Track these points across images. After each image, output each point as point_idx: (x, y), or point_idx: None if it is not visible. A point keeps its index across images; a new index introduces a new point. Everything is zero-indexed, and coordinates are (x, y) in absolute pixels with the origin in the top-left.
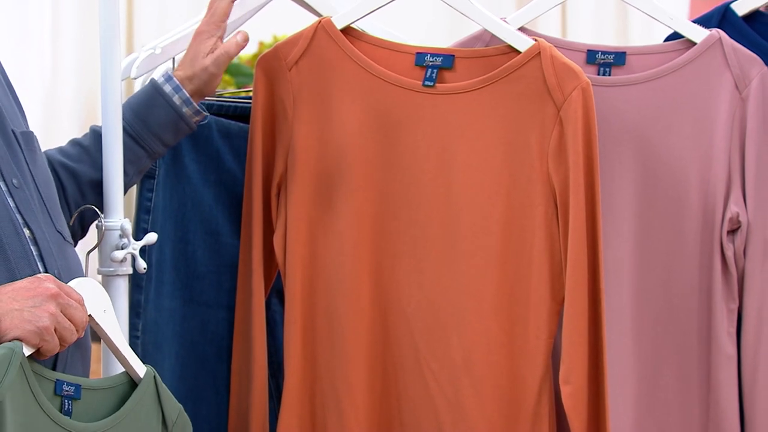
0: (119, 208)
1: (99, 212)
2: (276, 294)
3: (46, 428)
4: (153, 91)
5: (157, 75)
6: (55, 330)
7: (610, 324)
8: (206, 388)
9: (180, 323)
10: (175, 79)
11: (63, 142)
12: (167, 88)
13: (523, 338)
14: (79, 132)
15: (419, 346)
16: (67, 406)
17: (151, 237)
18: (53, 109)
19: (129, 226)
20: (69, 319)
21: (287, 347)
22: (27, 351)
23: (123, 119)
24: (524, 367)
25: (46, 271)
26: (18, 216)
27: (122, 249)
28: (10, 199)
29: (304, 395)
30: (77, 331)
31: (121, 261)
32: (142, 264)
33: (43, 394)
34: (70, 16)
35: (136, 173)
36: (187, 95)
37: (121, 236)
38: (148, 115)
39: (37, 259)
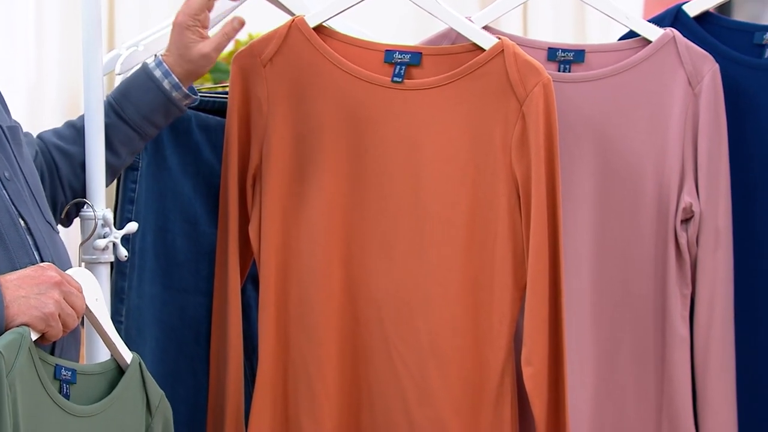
0: (101, 198)
1: (91, 206)
2: (251, 280)
3: (49, 410)
4: (144, 75)
5: (152, 63)
6: (58, 316)
7: (570, 309)
8: (184, 370)
9: (160, 308)
10: (165, 64)
11: None
12: (157, 73)
13: (487, 323)
14: (61, 123)
15: (388, 330)
16: (65, 390)
17: (132, 226)
18: (37, 102)
19: (110, 216)
20: (71, 306)
21: (261, 331)
22: (33, 336)
23: (116, 103)
24: (488, 350)
25: (42, 260)
26: (13, 207)
27: (104, 237)
28: (4, 191)
29: (277, 377)
30: (77, 317)
31: (103, 249)
32: (122, 252)
33: (47, 377)
34: (53, 12)
35: (128, 154)
36: (177, 80)
37: (103, 225)
38: (139, 99)
39: (33, 248)
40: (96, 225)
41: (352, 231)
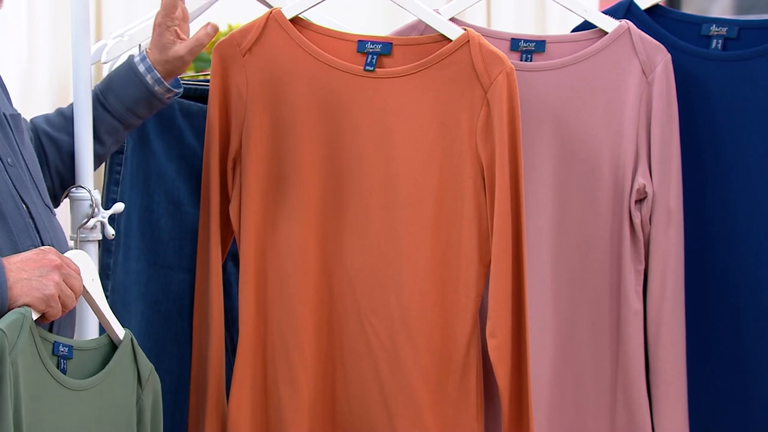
0: (90, 180)
1: (89, 190)
2: (231, 258)
3: (49, 385)
4: (129, 69)
5: (135, 53)
6: (58, 297)
7: (532, 284)
8: (169, 343)
9: (145, 284)
10: (148, 59)
11: None
12: (141, 68)
13: (454, 297)
14: (52, 110)
15: (361, 304)
16: (62, 365)
17: (118, 206)
18: (29, 90)
19: (98, 197)
20: (70, 288)
21: (242, 305)
22: (34, 316)
23: (102, 95)
24: (455, 322)
25: (42, 242)
26: (15, 191)
27: (93, 217)
28: (7, 176)
29: (256, 348)
30: (75, 298)
31: (92, 228)
32: (110, 231)
33: (46, 354)
34: (44, 4)
35: (113, 143)
36: (159, 75)
37: (90, 205)
38: (124, 92)
39: (34, 231)
40: (94, 207)
41: (327, 211)
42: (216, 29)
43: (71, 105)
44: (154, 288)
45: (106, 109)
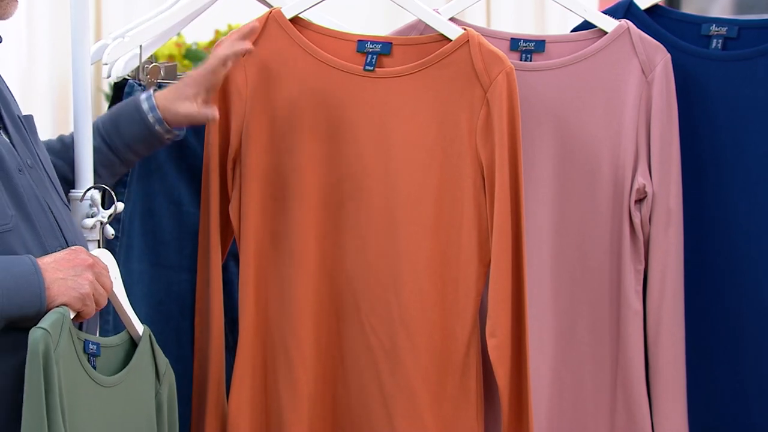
0: (89, 179)
1: (108, 189)
2: (232, 257)
3: (84, 382)
4: (132, 105)
5: (143, 95)
6: (92, 295)
7: (531, 283)
8: (170, 343)
9: (147, 284)
10: (153, 98)
11: (37, 121)
12: (145, 106)
13: (454, 297)
14: (51, 111)
15: (360, 304)
16: (92, 362)
17: (118, 206)
18: (29, 90)
19: (98, 197)
20: (102, 286)
21: (242, 305)
22: (71, 315)
23: (103, 128)
24: (455, 322)
25: (66, 241)
26: (38, 193)
27: (92, 217)
28: (29, 178)
29: (256, 348)
30: (107, 296)
31: (91, 228)
32: (109, 231)
33: (80, 351)
34: (43, 4)
35: (109, 176)
36: (160, 116)
37: (91, 206)
38: (125, 128)
39: (59, 231)
40: (115, 208)
41: (326, 210)
42: (217, 117)
43: (71, 133)
44: (156, 288)
45: (106, 143)
